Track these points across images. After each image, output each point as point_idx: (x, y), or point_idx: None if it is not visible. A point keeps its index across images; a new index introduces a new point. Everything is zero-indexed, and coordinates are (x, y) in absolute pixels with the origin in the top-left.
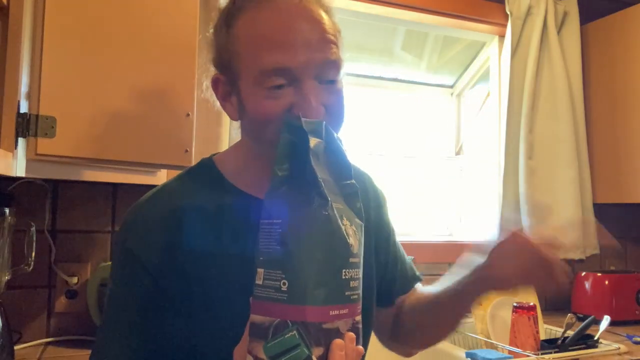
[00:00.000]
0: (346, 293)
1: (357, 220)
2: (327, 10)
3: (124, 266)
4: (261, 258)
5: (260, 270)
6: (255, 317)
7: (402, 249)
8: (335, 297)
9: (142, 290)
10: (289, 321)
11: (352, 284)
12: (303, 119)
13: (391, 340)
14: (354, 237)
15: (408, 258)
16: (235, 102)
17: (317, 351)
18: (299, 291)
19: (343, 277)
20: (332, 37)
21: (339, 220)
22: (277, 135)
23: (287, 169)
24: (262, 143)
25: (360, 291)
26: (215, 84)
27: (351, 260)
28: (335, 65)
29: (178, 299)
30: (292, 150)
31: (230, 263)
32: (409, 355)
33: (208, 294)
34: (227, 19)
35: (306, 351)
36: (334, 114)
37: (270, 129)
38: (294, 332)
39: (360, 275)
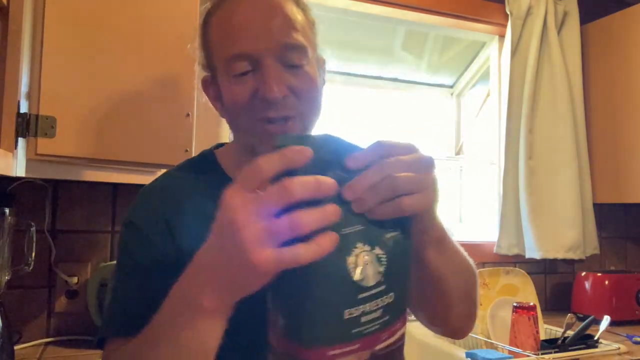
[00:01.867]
0: (353, 331)
1: (387, 236)
2: (297, 2)
3: (127, 236)
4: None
5: (269, 295)
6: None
7: None
8: (337, 337)
9: (144, 254)
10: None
11: (364, 319)
12: (278, 136)
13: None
14: (372, 265)
15: None
16: (220, 97)
17: None
18: (291, 329)
19: (347, 317)
20: (294, 22)
21: (341, 257)
22: (249, 122)
23: None
24: (239, 132)
25: (385, 318)
26: (204, 85)
27: (361, 296)
28: (298, 48)
29: (175, 265)
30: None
31: None
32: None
33: None
34: (204, 20)
35: None
36: (302, 96)
37: (242, 116)
38: None
39: (385, 301)
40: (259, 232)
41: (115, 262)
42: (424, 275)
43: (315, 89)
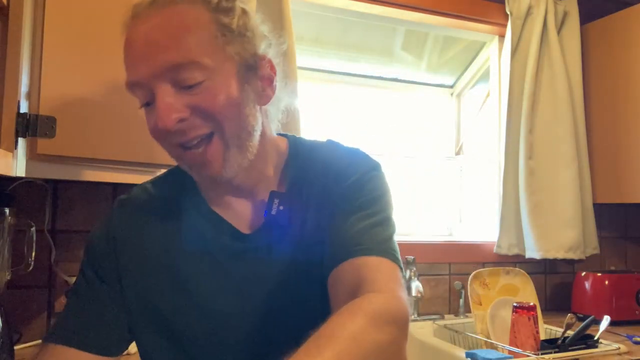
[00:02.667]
0: None
1: None
2: (207, 3)
3: (85, 255)
4: None
5: None
6: None
7: (352, 225)
8: None
9: (89, 266)
10: None
11: None
12: None
13: None
14: None
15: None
16: None
17: None
18: None
19: None
20: (180, 35)
21: None
22: (169, 149)
23: None
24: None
25: None
26: None
27: None
28: (186, 66)
29: (113, 291)
30: None
31: (159, 268)
32: None
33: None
34: None
35: None
36: (209, 114)
37: (162, 144)
38: None
39: None
40: None
41: None
42: None
43: (225, 103)
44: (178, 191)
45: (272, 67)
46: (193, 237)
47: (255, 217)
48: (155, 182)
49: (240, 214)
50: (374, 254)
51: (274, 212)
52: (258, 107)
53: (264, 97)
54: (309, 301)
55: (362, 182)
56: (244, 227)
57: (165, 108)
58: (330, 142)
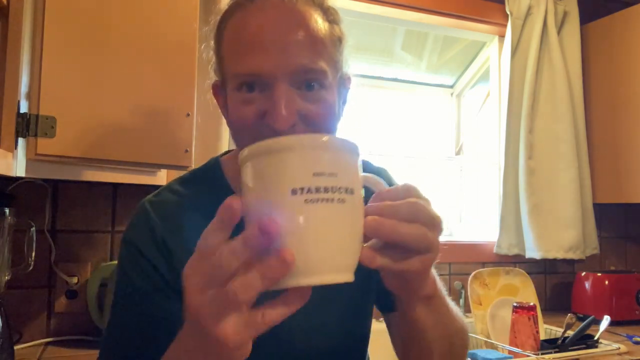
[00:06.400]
0: None
1: None
2: (325, 12)
3: (126, 258)
4: None
5: None
6: None
7: None
8: None
9: (143, 280)
10: None
11: None
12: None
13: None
14: None
15: None
16: (227, 107)
17: None
18: None
19: None
20: (315, 42)
21: None
22: (249, 142)
23: None
24: (242, 148)
25: None
26: (214, 90)
27: None
28: (314, 72)
29: (175, 290)
30: None
31: None
32: None
33: None
34: (220, 23)
35: None
36: (313, 123)
37: (245, 136)
38: None
39: None
40: (211, 306)
41: (115, 262)
42: (408, 331)
43: (330, 115)
44: (208, 191)
45: (349, 89)
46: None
47: None
48: (182, 182)
49: None
50: None
51: None
52: None
53: (341, 115)
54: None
55: None
56: None
57: (287, 110)
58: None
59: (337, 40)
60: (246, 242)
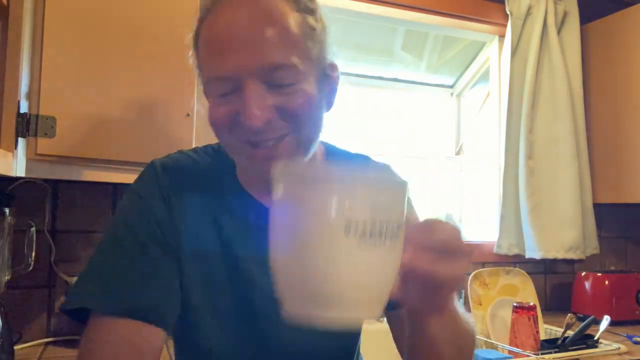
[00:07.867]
0: None
1: None
2: (296, 2)
3: (130, 207)
4: None
5: None
6: None
7: None
8: None
9: (145, 228)
10: None
11: None
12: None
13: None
14: None
15: None
16: None
17: None
18: None
19: None
20: (283, 36)
21: None
22: (233, 144)
23: None
24: (226, 148)
25: None
26: (204, 91)
27: None
28: (284, 67)
29: (173, 250)
30: None
31: (206, 253)
32: None
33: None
34: (197, 26)
35: None
36: (292, 117)
37: (225, 137)
38: None
39: None
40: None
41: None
42: (417, 338)
43: (310, 106)
44: (219, 168)
45: (338, 76)
46: (237, 218)
47: None
48: (198, 151)
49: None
50: None
51: None
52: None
53: (330, 104)
54: None
55: None
56: None
57: (258, 108)
58: (362, 155)
59: (311, 30)
60: None
